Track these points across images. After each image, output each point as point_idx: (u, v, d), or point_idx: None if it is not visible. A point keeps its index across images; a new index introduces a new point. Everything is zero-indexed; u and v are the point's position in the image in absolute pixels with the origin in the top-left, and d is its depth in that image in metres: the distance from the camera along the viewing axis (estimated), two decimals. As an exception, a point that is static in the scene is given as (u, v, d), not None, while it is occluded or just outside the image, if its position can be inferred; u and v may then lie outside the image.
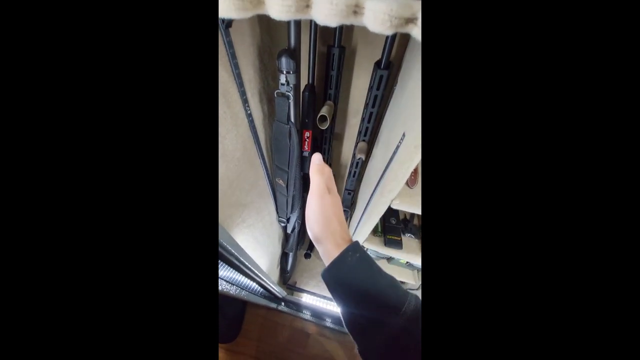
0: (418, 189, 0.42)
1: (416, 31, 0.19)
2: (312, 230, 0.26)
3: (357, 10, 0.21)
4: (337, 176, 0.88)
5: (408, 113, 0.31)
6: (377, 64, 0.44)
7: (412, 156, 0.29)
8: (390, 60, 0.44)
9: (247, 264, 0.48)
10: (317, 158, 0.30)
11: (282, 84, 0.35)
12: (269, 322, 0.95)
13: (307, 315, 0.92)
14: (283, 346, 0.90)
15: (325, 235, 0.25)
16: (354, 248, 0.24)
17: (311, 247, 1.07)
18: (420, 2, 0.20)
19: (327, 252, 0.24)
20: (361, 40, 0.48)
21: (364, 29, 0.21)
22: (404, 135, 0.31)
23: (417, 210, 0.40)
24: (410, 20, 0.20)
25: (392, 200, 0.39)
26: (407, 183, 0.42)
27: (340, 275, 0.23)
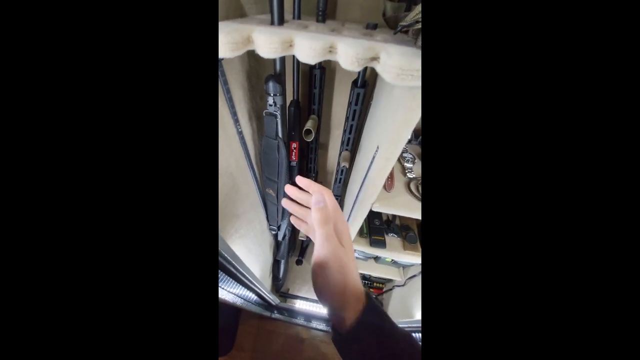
0: (395, 191, 0.47)
1: (379, 67, 0.24)
2: (326, 300, 0.22)
3: (332, 50, 0.26)
4: (324, 183, 0.92)
5: (381, 128, 0.37)
6: (354, 83, 0.49)
7: (385, 166, 0.34)
8: (366, 80, 0.49)
9: (242, 272, 0.50)
10: (317, 199, 0.24)
11: (270, 105, 0.39)
12: (262, 332, 0.94)
13: (301, 320, 0.93)
14: (278, 354, 0.90)
15: (342, 305, 0.21)
16: (371, 310, 0.21)
17: (302, 253, 1.10)
18: (381, 44, 0.25)
19: (342, 320, 0.21)
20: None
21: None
22: (377, 148, 0.36)
23: (395, 211, 0.45)
24: (373, 59, 0.25)
25: (372, 204, 0.44)
26: (385, 187, 0.47)
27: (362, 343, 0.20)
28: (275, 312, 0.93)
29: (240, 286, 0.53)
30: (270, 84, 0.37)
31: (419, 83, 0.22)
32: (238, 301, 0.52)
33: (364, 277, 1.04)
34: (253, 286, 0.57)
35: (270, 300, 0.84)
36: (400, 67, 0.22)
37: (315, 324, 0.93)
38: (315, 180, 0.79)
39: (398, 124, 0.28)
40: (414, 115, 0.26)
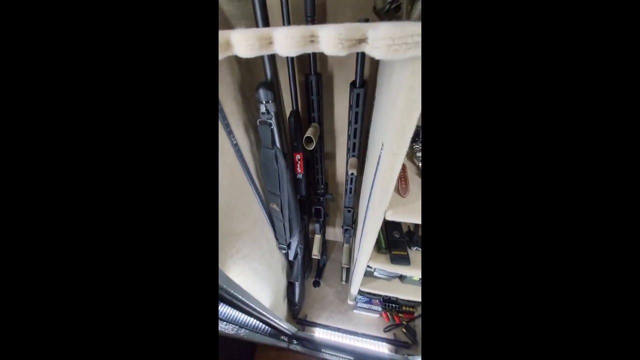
0: (411, 197, 0.41)
1: (368, 49, 0.21)
2: None
3: (313, 39, 0.23)
4: (336, 194, 0.87)
5: (384, 124, 0.32)
6: (353, 84, 0.46)
7: (393, 164, 0.29)
8: (365, 79, 0.46)
9: (246, 301, 0.45)
10: None
11: (263, 113, 0.37)
12: (280, 366, 0.85)
13: (322, 353, 0.82)
14: (299, 394, 0.79)
15: None
16: None
17: (319, 274, 1.01)
18: (368, 24, 0.22)
19: None
20: (336, 66, 0.52)
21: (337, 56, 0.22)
22: (382, 145, 0.31)
23: (413, 219, 0.38)
24: (362, 41, 0.22)
25: (384, 212, 0.38)
26: (398, 192, 0.41)
27: None
28: (294, 342, 0.84)
29: (245, 315, 0.47)
30: (261, 91, 0.35)
31: (417, 52, 0.18)
32: (242, 332, 0.47)
33: (389, 300, 0.92)
34: (260, 315, 0.52)
35: (285, 330, 0.76)
36: (390, 37, 0.18)
37: (339, 358, 0.82)
38: (325, 192, 0.75)
39: (400, 109, 0.24)
40: (416, 95, 0.21)
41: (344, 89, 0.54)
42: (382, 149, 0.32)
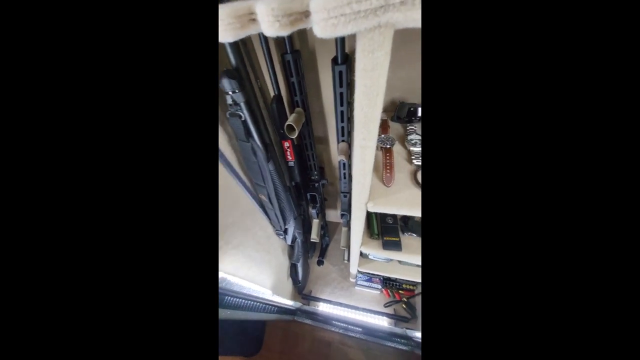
0: (396, 186, 0.38)
1: (311, 23, 0.17)
2: None
3: (253, 17, 0.20)
4: (333, 179, 0.85)
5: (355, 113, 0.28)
6: (334, 60, 0.41)
7: (362, 157, 0.27)
8: (347, 54, 0.41)
9: (238, 290, 0.48)
10: None
11: (230, 105, 0.35)
12: (289, 334, 0.94)
13: (326, 324, 0.90)
14: (305, 357, 0.89)
15: None
16: None
17: (322, 254, 1.05)
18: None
19: None
20: (317, 40, 0.46)
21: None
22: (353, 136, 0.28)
23: (397, 210, 0.36)
24: (302, 14, 0.18)
25: (366, 204, 0.36)
26: (383, 182, 0.38)
27: None
28: (299, 313, 0.91)
29: (244, 301, 0.51)
30: (224, 81, 0.32)
31: (361, 25, 0.14)
32: (249, 315, 0.51)
33: (389, 279, 0.94)
34: (258, 300, 0.55)
35: (289, 307, 0.82)
36: (324, 8, 0.15)
37: (341, 329, 0.89)
38: (321, 178, 0.73)
39: (358, 97, 0.20)
40: (373, 79, 0.18)
41: (329, 66, 0.49)
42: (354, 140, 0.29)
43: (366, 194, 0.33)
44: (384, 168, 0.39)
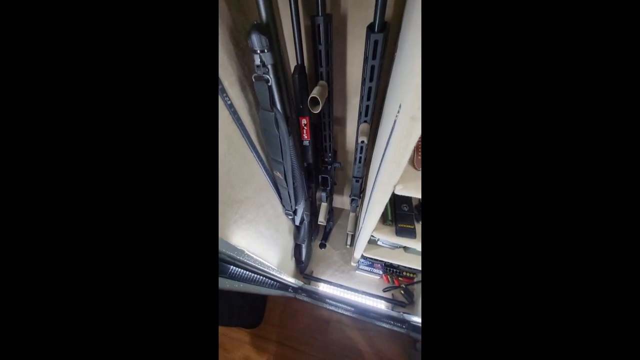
0: (426, 170, 0.36)
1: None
2: None
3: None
4: (345, 163, 0.83)
5: (406, 80, 0.26)
6: (370, 28, 0.37)
7: (409, 131, 0.24)
8: (386, 21, 0.37)
9: (252, 264, 0.47)
10: None
11: (258, 66, 0.32)
12: (288, 310, 0.98)
13: (325, 303, 0.93)
14: (303, 332, 0.93)
15: None
16: None
17: (326, 237, 1.06)
18: None
19: None
20: (351, 3, 0.42)
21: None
22: (400, 107, 0.26)
23: (426, 195, 0.35)
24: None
25: (394, 186, 0.34)
26: (413, 164, 0.37)
27: None
28: (300, 292, 0.94)
29: (251, 273, 0.51)
30: (254, 37, 0.29)
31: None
32: (251, 288, 0.51)
33: (391, 266, 0.96)
34: (267, 274, 0.56)
35: (291, 284, 0.84)
36: None
37: (340, 309, 0.92)
38: (333, 161, 0.71)
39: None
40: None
41: (360, 37, 0.44)
42: (398, 113, 0.26)
43: (398, 176, 0.32)
44: (415, 150, 0.36)
